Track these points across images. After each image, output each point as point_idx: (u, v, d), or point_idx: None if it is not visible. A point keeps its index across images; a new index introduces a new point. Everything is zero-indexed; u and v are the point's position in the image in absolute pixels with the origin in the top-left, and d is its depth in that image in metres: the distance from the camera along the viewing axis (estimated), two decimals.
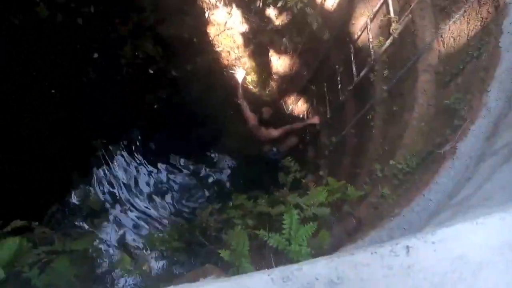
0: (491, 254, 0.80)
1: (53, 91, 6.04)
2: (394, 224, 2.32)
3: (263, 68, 6.59)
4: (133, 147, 6.28)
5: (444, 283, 0.78)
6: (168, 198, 5.99)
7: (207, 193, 6.05)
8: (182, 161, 6.31)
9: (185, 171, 6.23)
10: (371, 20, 4.20)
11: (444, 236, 0.82)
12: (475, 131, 2.37)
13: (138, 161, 6.18)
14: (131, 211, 5.80)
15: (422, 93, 3.49)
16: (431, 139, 2.97)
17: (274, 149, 5.87)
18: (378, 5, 4.03)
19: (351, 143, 4.92)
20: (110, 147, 6.17)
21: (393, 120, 3.96)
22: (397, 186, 3.02)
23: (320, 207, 2.61)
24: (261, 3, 5.53)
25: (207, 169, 6.29)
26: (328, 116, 5.21)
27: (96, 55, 6.49)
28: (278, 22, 5.58)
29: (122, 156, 6.17)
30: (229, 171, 6.34)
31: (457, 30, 3.19)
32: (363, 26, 4.34)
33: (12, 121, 5.51)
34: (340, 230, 3.07)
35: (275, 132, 5.75)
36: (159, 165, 6.23)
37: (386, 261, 0.82)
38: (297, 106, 6.32)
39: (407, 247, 0.83)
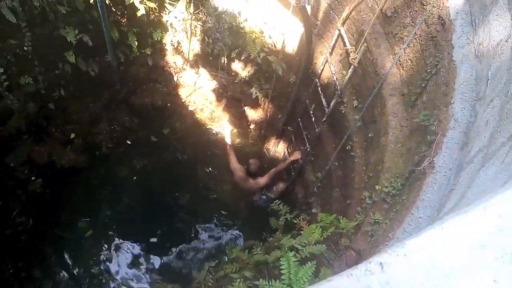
0: (461, 257, 0.81)
1: (33, 178, 5.96)
2: None
3: (239, 119, 6.73)
4: (121, 221, 6.13)
5: None
6: (161, 266, 5.79)
7: (201, 254, 5.89)
8: (172, 224, 6.17)
9: (176, 234, 6.08)
10: (330, 53, 4.39)
11: (414, 246, 0.83)
12: (449, 143, 2.43)
13: (125, 234, 6.02)
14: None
15: (393, 116, 3.59)
16: (411, 159, 3.02)
17: (264, 196, 5.86)
18: (334, 40, 4.23)
19: (337, 176, 4.97)
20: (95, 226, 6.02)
21: (371, 146, 4.04)
22: (387, 210, 3.02)
23: (316, 245, 2.58)
24: (225, 59, 5.74)
25: (199, 229, 6.15)
26: (308, 150, 5.28)
27: (73, 136, 6.49)
28: (245, 73, 5.77)
29: (110, 233, 6.01)
30: (221, 226, 6.22)
31: (412, 52, 3.35)
32: (324, 61, 4.53)
33: None
34: (341, 265, 3.02)
35: (262, 180, 5.77)
36: (148, 233, 6.06)
37: (362, 281, 0.82)
38: (278, 148, 6.40)
39: (381, 263, 0.83)
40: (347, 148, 4.47)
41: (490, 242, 0.81)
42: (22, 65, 5.08)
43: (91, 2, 4.81)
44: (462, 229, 0.85)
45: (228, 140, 6.10)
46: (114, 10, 5.29)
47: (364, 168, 4.19)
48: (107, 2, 5.08)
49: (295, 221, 3.51)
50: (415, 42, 3.27)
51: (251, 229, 5.82)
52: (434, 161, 2.44)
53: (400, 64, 3.52)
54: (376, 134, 3.94)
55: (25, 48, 4.88)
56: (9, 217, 5.60)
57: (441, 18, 2.87)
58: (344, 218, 3.20)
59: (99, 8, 4.86)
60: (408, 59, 3.40)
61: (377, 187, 3.34)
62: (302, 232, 2.85)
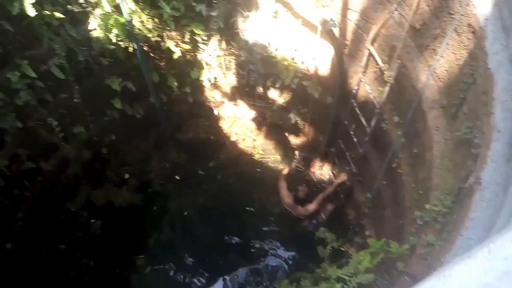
0: None
1: (92, 220, 6.30)
2: None
3: (282, 144, 6.76)
4: (176, 255, 6.27)
5: None
6: None
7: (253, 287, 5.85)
8: (223, 256, 6.19)
9: (226, 266, 6.10)
10: (363, 72, 4.34)
11: None
12: (494, 156, 2.29)
13: (181, 268, 6.13)
14: None
15: (436, 130, 3.45)
16: (458, 174, 2.86)
17: (314, 221, 5.78)
18: (365, 59, 4.18)
19: (387, 195, 4.80)
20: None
21: (418, 162, 3.89)
22: (440, 230, 2.86)
23: (364, 274, 2.49)
24: (261, 88, 5.84)
25: (247, 261, 6.13)
26: (354, 171, 5.17)
27: (127, 176, 6.82)
28: (282, 100, 5.83)
29: (167, 268, 6.16)
30: (269, 257, 6.14)
31: (447, 63, 3.23)
32: (359, 81, 4.48)
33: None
34: None
35: (311, 207, 5.71)
36: (202, 265, 6.13)
37: None
38: (323, 171, 6.31)
39: None
40: (394, 165, 4.33)
41: None
42: (74, 116, 5.47)
43: (130, 51, 5.12)
44: (466, 276, 0.80)
45: (284, 171, 6.11)
46: (152, 55, 5.60)
47: (413, 185, 4.02)
48: (145, 49, 5.39)
49: (343, 249, 3.41)
50: (448, 52, 3.15)
51: (298, 259, 5.73)
52: (481, 176, 2.30)
53: (436, 76, 3.40)
54: (421, 149, 3.79)
55: (75, 100, 5.26)
56: (72, 260, 5.90)
57: (471, 26, 2.76)
58: (395, 241, 3.07)
59: (138, 55, 5.18)
60: (444, 70, 3.28)
61: (427, 205, 3.19)
62: (350, 260, 2.76)
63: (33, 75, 4.49)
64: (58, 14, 4.31)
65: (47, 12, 4.24)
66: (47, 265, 5.63)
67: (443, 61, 3.23)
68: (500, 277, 0.77)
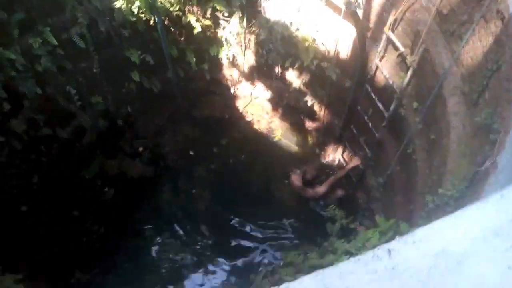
0: (473, 244, 0.79)
1: (106, 189, 6.43)
2: None
3: (297, 126, 6.77)
4: (184, 228, 6.42)
5: (430, 277, 0.78)
6: (221, 269, 5.98)
7: (258, 258, 5.97)
8: (231, 230, 6.30)
9: (235, 239, 6.23)
10: (382, 57, 4.32)
11: (424, 234, 0.83)
12: None
13: (189, 240, 6.27)
14: None
15: (455, 116, 3.45)
16: (473, 159, 2.88)
17: (322, 202, 5.82)
18: (382, 44, 4.16)
19: (399, 180, 4.82)
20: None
21: (433, 148, 3.89)
22: (451, 213, 2.89)
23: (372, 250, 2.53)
24: (280, 68, 5.84)
25: (256, 233, 6.21)
26: (368, 156, 5.18)
27: (141, 149, 6.92)
28: (299, 81, 5.82)
29: (176, 240, 6.30)
30: (277, 230, 6.24)
31: (472, 49, 3.21)
32: (375, 66, 4.46)
33: None
34: None
35: (321, 189, 5.74)
36: (210, 238, 6.27)
37: (370, 266, 0.84)
38: (337, 154, 6.33)
39: (389, 250, 0.85)
40: (408, 151, 4.33)
41: (506, 231, 0.80)
42: (92, 86, 5.54)
43: (151, 24, 5.14)
44: (476, 217, 0.84)
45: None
46: (172, 29, 5.62)
47: (427, 171, 4.03)
48: (165, 23, 5.40)
49: (352, 226, 3.46)
50: (474, 39, 3.13)
51: (307, 234, 5.80)
52: (497, 161, 2.31)
53: (460, 62, 3.38)
54: (438, 135, 3.79)
55: (94, 70, 5.33)
56: (84, 226, 6.05)
57: (500, 13, 2.73)
58: (404, 223, 3.10)
59: (158, 29, 5.20)
60: (468, 56, 3.25)
61: (440, 190, 3.21)
62: (358, 237, 2.81)
63: (55, 42, 4.56)
64: None
65: None
66: (59, 230, 5.78)
67: (468, 47, 3.20)
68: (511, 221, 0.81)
